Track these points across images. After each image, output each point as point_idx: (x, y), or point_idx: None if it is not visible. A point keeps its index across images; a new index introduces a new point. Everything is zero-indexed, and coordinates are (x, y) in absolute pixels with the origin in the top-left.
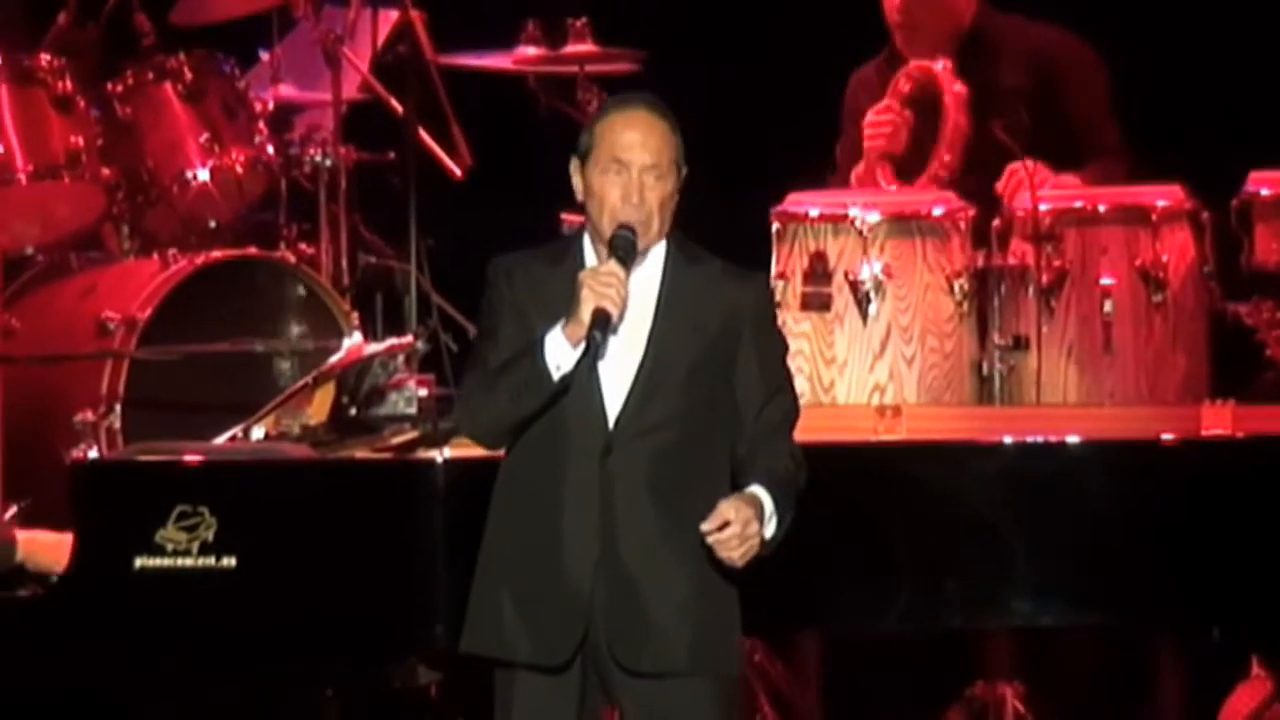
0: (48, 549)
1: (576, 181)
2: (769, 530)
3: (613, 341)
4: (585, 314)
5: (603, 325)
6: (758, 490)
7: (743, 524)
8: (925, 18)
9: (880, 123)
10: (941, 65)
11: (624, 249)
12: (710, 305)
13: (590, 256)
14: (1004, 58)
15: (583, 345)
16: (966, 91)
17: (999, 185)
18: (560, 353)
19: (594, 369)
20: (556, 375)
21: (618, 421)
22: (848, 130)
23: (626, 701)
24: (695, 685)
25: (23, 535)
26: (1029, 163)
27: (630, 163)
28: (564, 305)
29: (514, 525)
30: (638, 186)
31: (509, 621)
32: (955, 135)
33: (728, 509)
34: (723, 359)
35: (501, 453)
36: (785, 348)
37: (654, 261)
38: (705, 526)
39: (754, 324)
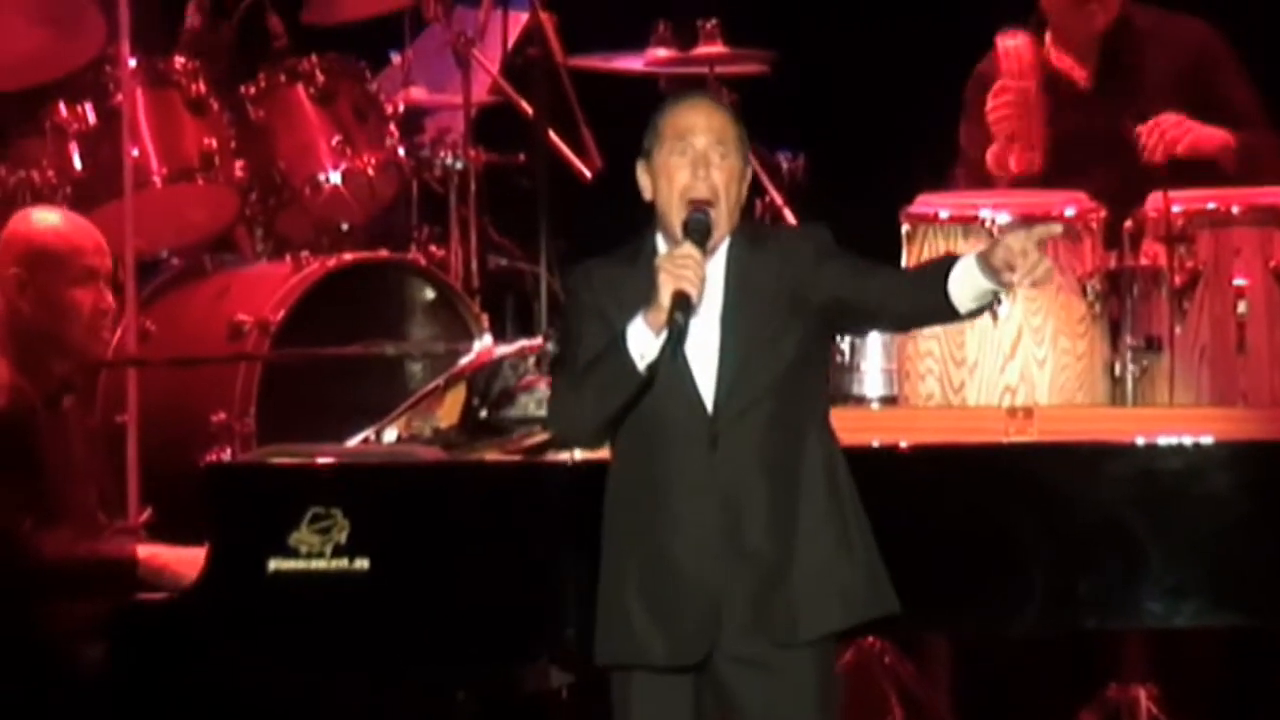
0: (170, 565)
1: (643, 181)
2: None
3: (692, 333)
4: (665, 297)
5: (684, 307)
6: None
7: (1024, 243)
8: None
9: (997, 105)
10: (1008, 41)
11: (698, 230)
12: (774, 266)
13: (664, 252)
14: (1150, 50)
15: (665, 332)
16: (1032, 59)
17: (1142, 130)
18: (643, 342)
19: (676, 355)
20: (641, 365)
21: (715, 407)
22: (974, 115)
23: (735, 686)
24: (796, 653)
25: (144, 552)
26: (1172, 115)
27: (695, 140)
28: (643, 304)
29: (632, 530)
30: (704, 161)
31: (640, 627)
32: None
33: (1006, 247)
34: (800, 307)
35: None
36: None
37: (721, 250)
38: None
39: (823, 252)
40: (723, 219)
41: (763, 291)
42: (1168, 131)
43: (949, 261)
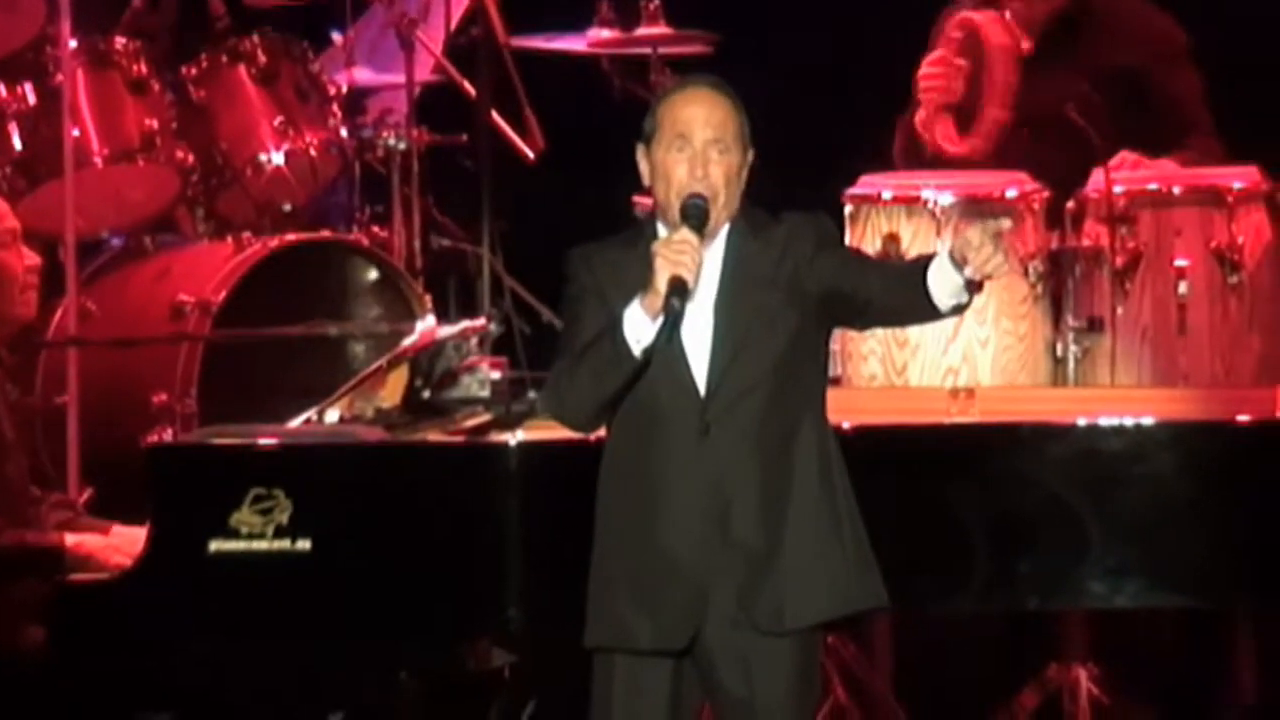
0: (96, 554)
1: (643, 166)
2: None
3: (688, 318)
4: (661, 283)
5: (680, 292)
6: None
7: (980, 237)
8: None
9: (933, 74)
10: (983, 16)
11: (696, 216)
12: (772, 254)
13: (664, 237)
14: (1115, 35)
15: (661, 317)
16: (1010, 44)
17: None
18: (639, 326)
19: (672, 340)
20: (637, 350)
21: (708, 394)
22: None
23: (719, 671)
24: (780, 642)
25: (71, 540)
26: (1129, 155)
27: (693, 137)
28: (643, 287)
29: (622, 513)
30: (702, 160)
31: (626, 610)
32: (1004, 92)
33: (964, 240)
34: (798, 296)
35: (581, 435)
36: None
37: (720, 238)
38: (969, 270)
39: (817, 243)
40: (721, 212)
41: (760, 278)
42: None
43: (929, 259)
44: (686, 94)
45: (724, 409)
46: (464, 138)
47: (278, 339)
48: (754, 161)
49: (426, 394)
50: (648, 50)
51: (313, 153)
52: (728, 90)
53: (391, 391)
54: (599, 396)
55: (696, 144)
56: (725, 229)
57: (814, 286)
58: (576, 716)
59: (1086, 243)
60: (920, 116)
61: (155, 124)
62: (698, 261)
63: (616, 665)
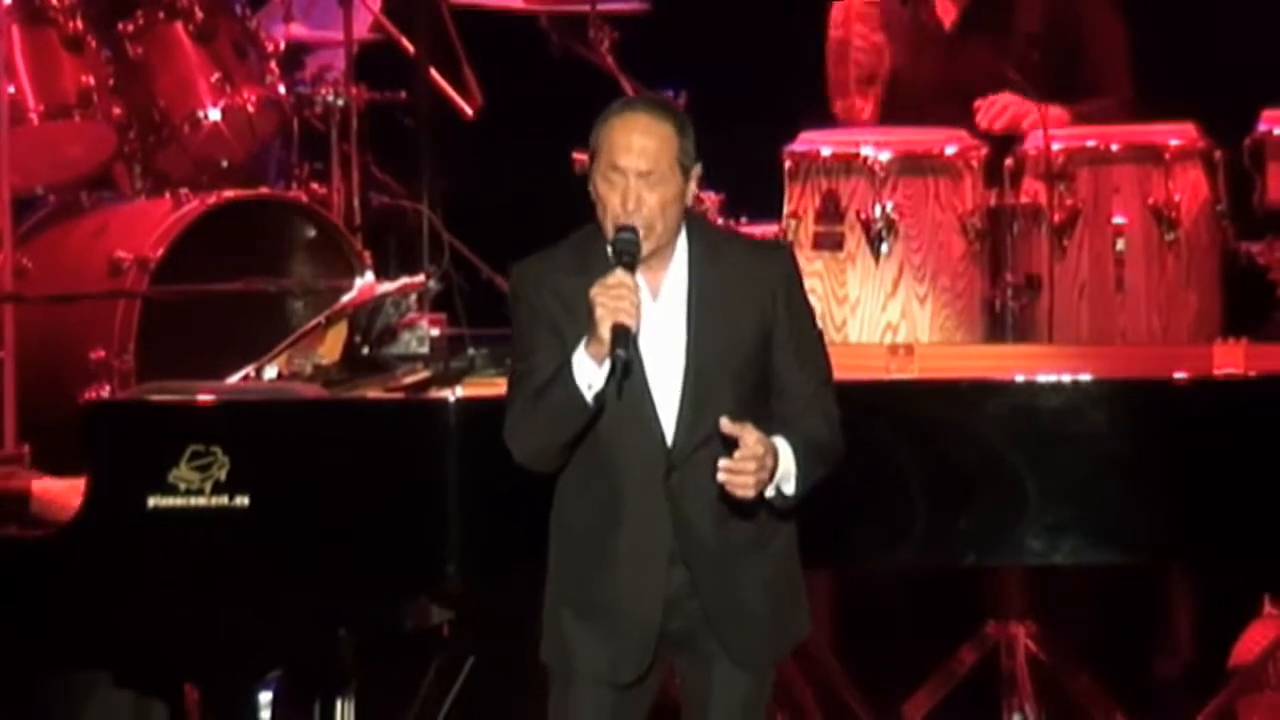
0: (60, 496)
1: (592, 187)
2: (789, 487)
3: (653, 358)
4: (604, 332)
5: (623, 341)
6: (781, 444)
7: (755, 454)
8: None
9: (860, 47)
10: None
11: (627, 252)
12: (741, 299)
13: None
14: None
15: (608, 363)
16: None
17: (979, 119)
18: (589, 372)
19: (623, 386)
20: (589, 395)
21: (674, 439)
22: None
23: (685, 675)
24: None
25: (37, 485)
26: (1007, 96)
27: (626, 168)
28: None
29: (580, 550)
30: (635, 192)
31: (583, 643)
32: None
33: (750, 438)
34: (763, 346)
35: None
36: (813, 313)
37: (678, 264)
38: (723, 464)
39: (786, 298)
40: (662, 237)
41: (728, 317)
42: (992, 109)
43: (807, 437)
44: (623, 119)
45: (689, 454)
46: (402, 95)
47: (216, 296)
48: (696, 176)
49: (365, 351)
50: (585, 6)
51: (250, 109)
52: (667, 113)
53: (330, 348)
54: (559, 440)
55: (629, 175)
56: (684, 254)
57: (774, 344)
58: (514, 674)
59: (1025, 200)
60: (844, 101)
61: (92, 81)
62: (636, 303)
63: (573, 682)
